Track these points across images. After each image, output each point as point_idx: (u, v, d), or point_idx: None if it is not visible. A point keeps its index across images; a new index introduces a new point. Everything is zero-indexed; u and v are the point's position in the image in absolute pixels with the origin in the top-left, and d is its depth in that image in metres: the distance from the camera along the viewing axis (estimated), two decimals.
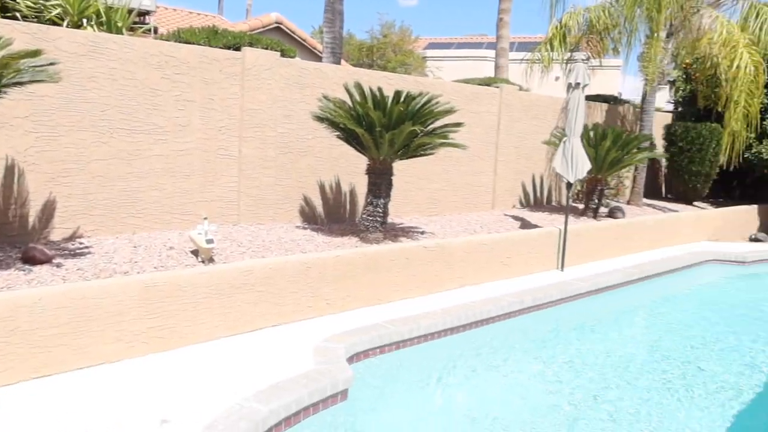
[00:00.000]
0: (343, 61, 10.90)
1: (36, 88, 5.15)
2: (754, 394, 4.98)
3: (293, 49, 7.88)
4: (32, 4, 6.51)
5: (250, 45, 7.22)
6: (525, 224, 8.45)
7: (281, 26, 14.12)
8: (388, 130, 6.10)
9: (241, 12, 57.73)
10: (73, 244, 5.33)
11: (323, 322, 5.20)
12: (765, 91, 11.36)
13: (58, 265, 4.68)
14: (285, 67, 6.97)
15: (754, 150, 12.00)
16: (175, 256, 5.20)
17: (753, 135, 11.56)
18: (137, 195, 5.92)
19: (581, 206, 9.96)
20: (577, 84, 8.17)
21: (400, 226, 7.49)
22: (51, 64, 4.52)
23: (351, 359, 4.71)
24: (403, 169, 7.68)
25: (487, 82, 10.23)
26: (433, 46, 25.66)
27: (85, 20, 6.57)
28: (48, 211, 5.45)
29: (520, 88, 10.62)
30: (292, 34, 14.32)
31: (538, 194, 10.61)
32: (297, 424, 3.89)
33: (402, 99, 6.24)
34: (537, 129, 10.26)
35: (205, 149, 6.37)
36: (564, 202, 10.84)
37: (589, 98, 10.58)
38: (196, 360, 4.30)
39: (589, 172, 8.58)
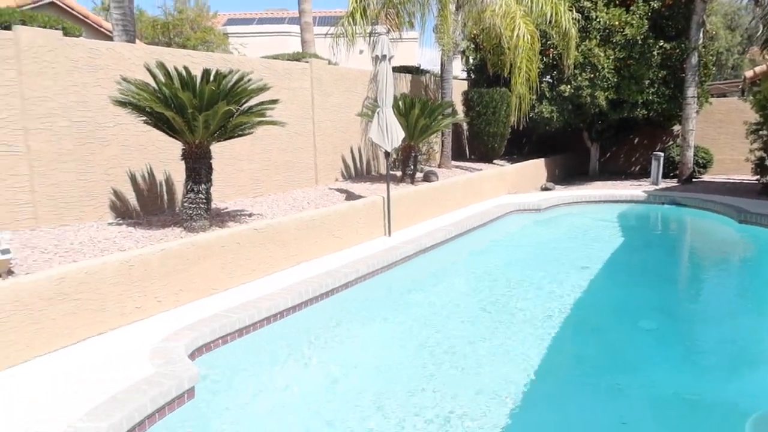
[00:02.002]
0: (137, 41, 9.99)
1: None
2: (560, 315, 5.70)
3: (78, 27, 7.02)
4: None
5: (23, 23, 6.28)
6: (350, 196, 8.62)
7: (56, 1, 12.49)
8: (201, 111, 5.75)
9: None
10: None
11: (156, 322, 4.81)
12: (540, 57, 12.82)
13: None
14: (71, 48, 6.19)
15: (536, 110, 13.53)
16: None
17: (535, 97, 13.01)
18: None
19: (399, 173, 10.42)
20: (384, 56, 8.43)
21: (226, 210, 7.18)
22: None
23: (193, 355, 4.44)
24: (220, 152, 7.33)
25: (296, 58, 10.12)
26: (233, 22, 24.70)
27: None
28: None
29: (329, 63, 10.70)
30: (71, 11, 12.75)
31: (358, 166, 10.87)
32: None
33: (212, 77, 5.92)
34: (350, 102, 10.45)
35: None
36: (383, 171, 11.26)
37: (393, 70, 11.02)
38: (10, 386, 3.72)
39: (403, 141, 8.97)
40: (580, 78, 12.92)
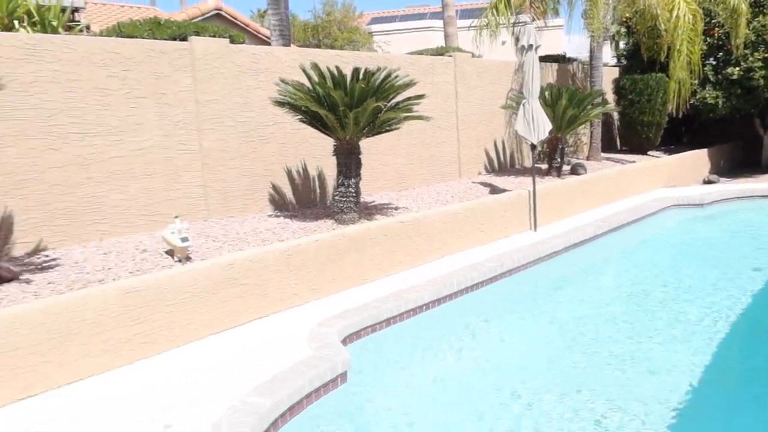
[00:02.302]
0: (291, 44, 10.64)
1: None
2: (729, 320, 5.18)
3: (242, 34, 7.63)
4: None
5: (197, 34, 6.95)
6: (494, 189, 8.51)
7: (221, 12, 13.70)
8: (352, 108, 5.99)
9: (174, 2, 55.83)
10: (38, 258, 5.07)
11: (311, 308, 5.12)
12: (703, 38, 11.70)
13: (27, 281, 4.44)
14: (236, 54, 6.74)
15: (698, 96, 12.37)
16: (149, 258, 5.01)
17: (696, 81, 11.90)
18: (99, 200, 5.66)
19: (545, 166, 10.09)
20: (530, 46, 8.20)
21: (373, 204, 7.43)
22: None
23: (344, 341, 4.66)
24: (368, 147, 7.58)
25: (440, 52, 10.16)
26: (376, 20, 25.41)
27: (16, 21, 6.17)
28: (5, 226, 5.15)
29: (473, 55, 10.61)
30: (234, 20, 13.92)
31: (502, 159, 10.69)
32: (301, 412, 3.82)
33: (362, 76, 6.13)
34: (493, 94, 10.30)
35: (164, 146, 6.12)
36: (527, 164, 10.97)
37: (539, 59, 10.66)
38: (188, 361, 4.18)
39: (549, 132, 8.67)
40: (751, 59, 11.59)
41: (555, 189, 8.54)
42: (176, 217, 4.93)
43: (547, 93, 9.49)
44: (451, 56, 9.61)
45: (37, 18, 6.24)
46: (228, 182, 6.60)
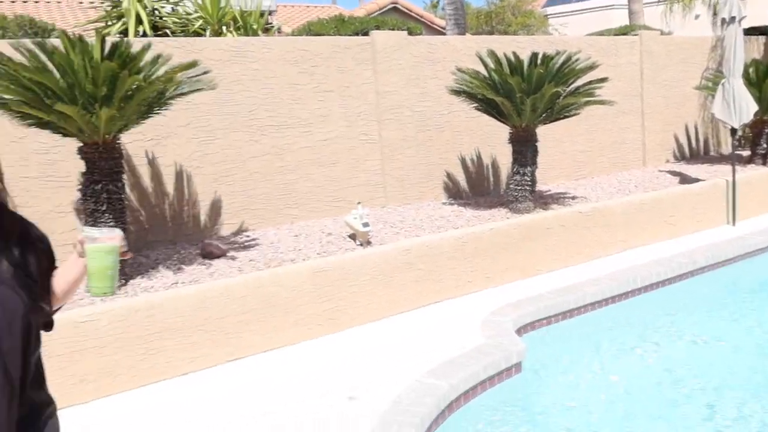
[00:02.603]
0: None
1: (192, 97, 5.50)
2: None
3: (418, 26, 7.80)
4: (178, 20, 7.00)
5: (377, 28, 7.25)
6: (684, 179, 7.77)
7: (397, 6, 14.14)
8: (529, 94, 5.84)
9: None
10: (241, 238, 5.70)
11: (485, 296, 5.13)
12: None
13: (233, 258, 5.01)
14: (414, 45, 6.92)
15: None
16: (334, 241, 5.37)
17: None
18: (291, 187, 6.20)
19: (746, 153, 8.97)
20: (732, 18, 7.33)
21: (548, 193, 7.20)
22: (205, 72, 4.80)
23: (518, 332, 4.60)
24: (544, 134, 7.35)
25: (623, 32, 9.49)
26: (551, 2, 24.37)
27: (224, 27, 6.95)
28: (215, 209, 5.86)
29: (661, 33, 9.74)
30: (409, 12, 14.29)
31: (693, 145, 9.71)
32: (475, 398, 3.86)
33: (539, 60, 5.96)
34: (685, 75, 9.37)
35: (347, 136, 6.51)
36: (724, 150, 9.85)
37: (743, 32, 9.46)
38: (367, 339, 4.43)
39: (754, 115, 7.68)
40: None
41: (760, 178, 7.57)
42: (359, 203, 5.23)
43: (751, 70, 8.42)
44: (636, 35, 8.92)
45: (240, 23, 6.96)
46: (405, 170, 6.82)
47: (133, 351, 3.83)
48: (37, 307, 1.52)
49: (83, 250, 1.70)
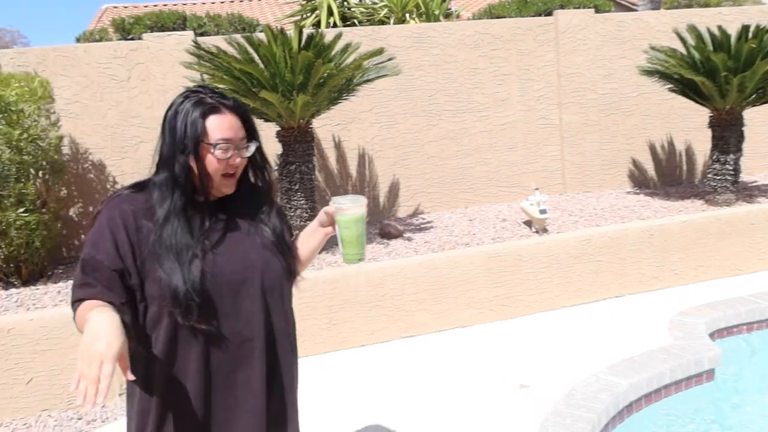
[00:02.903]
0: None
1: (376, 83, 5.74)
2: None
3: (608, 2, 7.32)
4: (364, 10, 7.34)
5: (561, 8, 6.95)
6: None
7: None
8: (736, 73, 5.21)
9: None
10: (416, 220, 5.87)
11: (672, 294, 4.73)
12: None
13: (408, 239, 5.18)
14: (601, 24, 6.51)
15: None
16: (508, 227, 5.31)
17: None
18: (466, 171, 6.23)
19: None
20: None
21: (754, 184, 6.39)
22: (389, 59, 4.98)
23: (712, 336, 4.18)
24: (751, 118, 6.52)
25: None
26: None
27: (407, 14, 7.14)
28: (393, 191, 6.10)
29: None
30: None
31: None
32: (658, 401, 3.60)
33: (751, 34, 5.27)
34: None
35: (525, 121, 6.36)
36: None
37: None
38: (541, 328, 4.33)
39: None
40: None
41: None
42: (536, 189, 5.09)
43: None
44: None
45: (423, 9, 7.10)
46: (586, 156, 6.50)
47: (318, 320, 4.15)
48: (292, 271, 1.70)
49: (329, 221, 1.78)
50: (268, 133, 5.23)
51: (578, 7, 6.83)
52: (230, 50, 4.53)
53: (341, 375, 3.87)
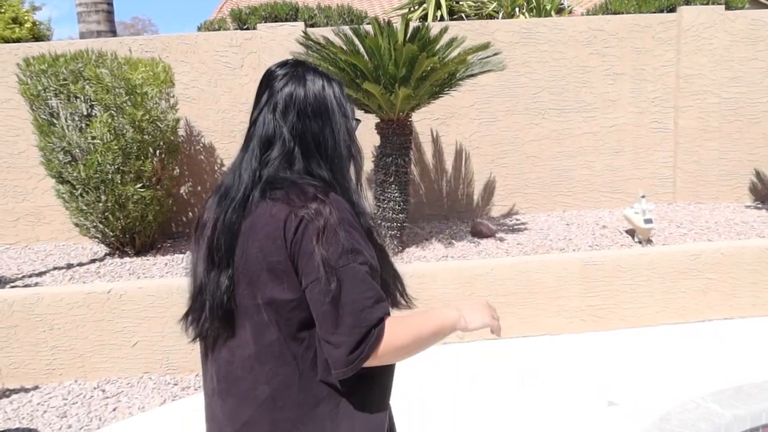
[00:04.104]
0: None
1: (478, 78, 5.64)
2: None
3: None
4: (473, 3, 7.22)
5: (687, 3, 6.48)
6: None
7: None
8: None
9: None
10: (510, 220, 5.72)
11: None
12: None
13: (501, 239, 5.07)
14: (731, 22, 6.00)
15: None
16: (608, 235, 5.05)
17: None
18: (567, 173, 5.99)
19: None
20: None
21: None
22: (495, 54, 4.87)
23: None
24: None
25: None
26: None
27: (517, 9, 6.95)
28: (489, 189, 5.98)
29: None
30: None
31: None
32: None
33: None
34: None
35: (636, 123, 6.01)
36: None
37: None
38: (636, 344, 4.08)
39: None
40: None
41: None
42: (642, 196, 4.80)
43: None
44: None
45: (534, 4, 6.88)
46: (701, 165, 6.04)
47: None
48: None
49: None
50: (367, 124, 5.31)
51: (707, 3, 6.34)
52: (337, 41, 4.62)
53: (427, 372, 3.86)
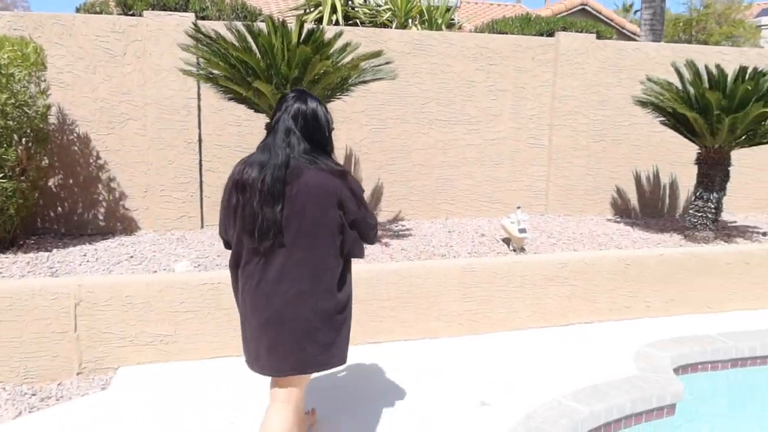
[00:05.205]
0: None
1: (370, 85, 5.72)
2: None
3: (610, 29, 7.38)
4: (368, 11, 7.32)
5: (564, 29, 6.99)
6: None
7: (586, 8, 13.47)
8: (729, 113, 5.27)
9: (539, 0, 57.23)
10: (396, 226, 5.86)
11: (642, 326, 4.76)
12: None
13: (386, 245, 5.17)
14: (601, 50, 6.55)
15: None
16: (486, 242, 5.32)
17: None
18: (450, 182, 6.24)
19: None
20: None
21: (734, 224, 6.46)
22: (387, 63, 4.96)
23: (677, 371, 4.20)
24: (737, 159, 6.59)
25: None
26: (767, 12, 21.64)
27: (410, 20, 7.14)
28: (376, 195, 6.08)
29: None
30: (598, 15, 13.54)
31: None
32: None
33: (748, 76, 5.32)
34: None
35: (515, 138, 6.38)
36: None
37: None
38: (508, 347, 4.33)
39: None
40: None
41: None
42: (518, 207, 5.10)
43: None
44: None
45: (426, 17, 7.11)
46: (571, 180, 6.53)
47: None
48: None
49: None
50: (257, 123, 5.20)
51: (581, 32, 6.86)
52: (230, 36, 4.48)
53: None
